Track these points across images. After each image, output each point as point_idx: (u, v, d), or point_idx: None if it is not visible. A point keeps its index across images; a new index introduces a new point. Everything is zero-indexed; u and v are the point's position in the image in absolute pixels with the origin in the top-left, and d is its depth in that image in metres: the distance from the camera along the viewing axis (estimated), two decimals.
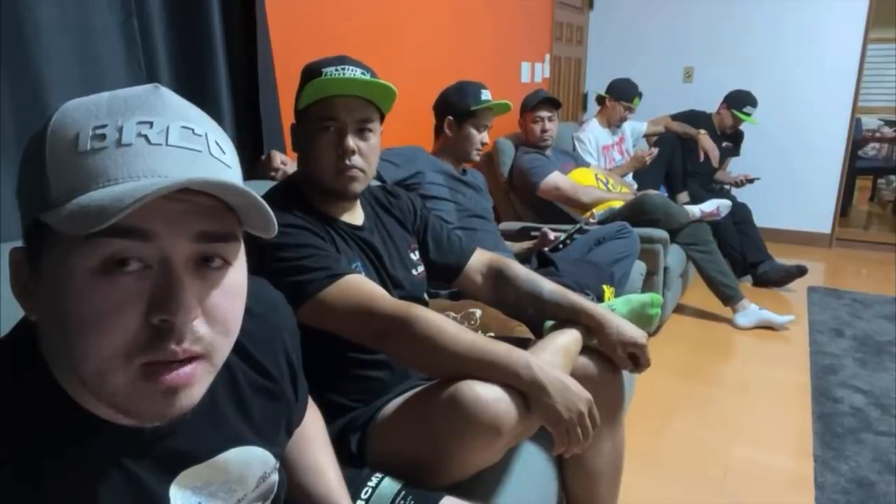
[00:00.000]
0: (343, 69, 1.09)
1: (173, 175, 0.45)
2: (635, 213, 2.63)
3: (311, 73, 1.10)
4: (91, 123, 0.46)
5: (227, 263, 0.50)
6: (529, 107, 2.71)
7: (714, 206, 2.91)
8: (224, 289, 0.50)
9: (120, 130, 0.46)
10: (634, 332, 1.17)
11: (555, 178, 2.67)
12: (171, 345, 0.46)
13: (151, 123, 0.47)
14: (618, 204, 2.73)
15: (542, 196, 2.70)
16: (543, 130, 2.69)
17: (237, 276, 0.52)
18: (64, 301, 0.45)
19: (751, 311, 2.81)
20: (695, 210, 2.89)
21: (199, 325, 0.48)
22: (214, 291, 0.49)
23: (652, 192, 2.88)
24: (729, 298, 2.84)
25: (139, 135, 0.46)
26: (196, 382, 0.49)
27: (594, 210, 2.69)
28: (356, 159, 1.09)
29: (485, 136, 2.07)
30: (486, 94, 2.04)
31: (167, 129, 0.47)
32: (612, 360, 1.21)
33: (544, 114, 2.69)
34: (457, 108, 2.04)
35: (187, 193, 0.46)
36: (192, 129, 0.49)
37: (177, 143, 0.47)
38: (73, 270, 0.45)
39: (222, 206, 0.49)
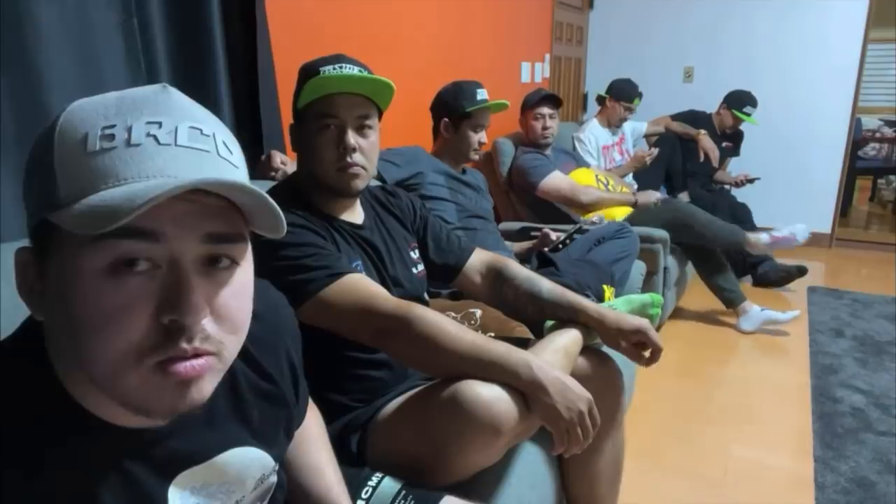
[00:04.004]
0: (341, 67, 1.09)
1: (183, 175, 0.46)
2: (676, 230, 2.62)
3: (308, 72, 1.10)
4: (100, 123, 0.46)
5: (234, 263, 0.50)
6: (530, 104, 2.71)
7: (788, 231, 2.60)
8: (232, 288, 0.50)
9: (129, 130, 0.46)
10: (635, 320, 1.17)
11: (554, 179, 2.66)
12: (182, 343, 0.46)
13: (160, 124, 0.47)
14: (619, 213, 2.71)
15: (541, 196, 2.70)
16: (544, 128, 2.68)
17: (245, 275, 0.52)
18: (72, 301, 0.45)
19: (753, 314, 2.78)
20: (762, 237, 2.65)
21: (208, 325, 0.48)
22: (223, 291, 0.49)
23: (682, 201, 2.83)
24: (730, 302, 2.82)
25: (148, 135, 0.46)
26: (207, 376, 0.49)
27: (600, 214, 2.65)
28: (357, 156, 1.09)
29: (482, 136, 2.06)
30: (482, 94, 2.04)
31: (176, 129, 0.47)
32: (613, 358, 1.22)
33: (545, 111, 2.68)
34: (452, 109, 2.03)
35: (196, 194, 0.46)
36: (201, 130, 0.49)
37: (185, 143, 0.47)
38: (82, 271, 0.45)
39: (230, 207, 0.49)
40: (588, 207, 2.69)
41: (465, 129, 2.03)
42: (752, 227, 3.39)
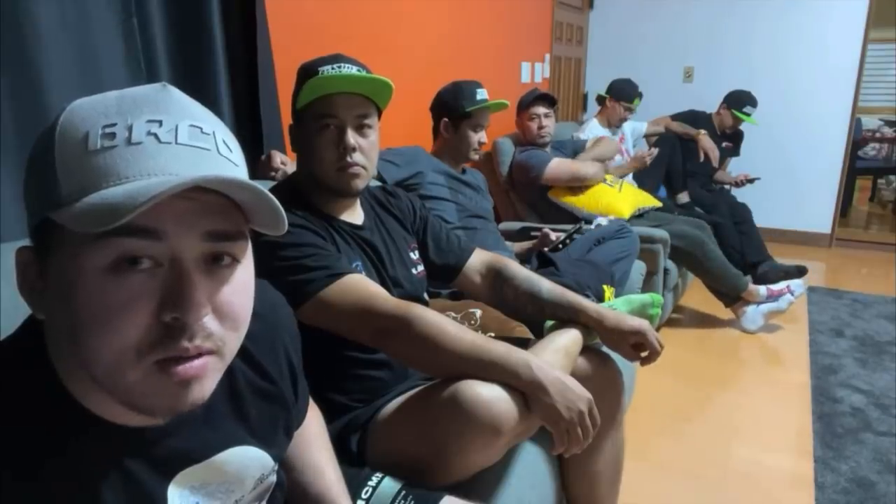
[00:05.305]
0: (339, 66, 1.09)
1: (184, 173, 0.46)
2: (680, 254, 2.69)
3: (307, 72, 1.10)
4: (100, 122, 0.46)
5: (235, 261, 0.51)
6: (525, 105, 2.70)
7: (785, 284, 2.81)
8: (233, 286, 0.50)
9: (129, 129, 0.46)
10: (634, 321, 1.17)
11: (555, 164, 2.65)
12: (183, 342, 0.46)
13: (160, 122, 0.47)
14: (626, 210, 2.69)
15: (547, 184, 2.68)
16: (540, 127, 2.67)
17: (245, 273, 0.52)
18: (74, 299, 0.45)
19: (750, 312, 2.78)
20: (760, 290, 2.80)
21: (210, 322, 0.48)
22: (224, 288, 0.49)
23: (693, 221, 2.88)
24: (728, 303, 2.82)
25: (149, 133, 0.46)
26: (208, 375, 0.49)
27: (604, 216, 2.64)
28: (357, 156, 1.09)
29: (482, 136, 2.06)
30: (481, 94, 2.03)
31: (176, 127, 0.48)
32: (613, 358, 1.21)
33: (540, 110, 2.67)
34: (452, 109, 2.03)
35: (197, 192, 0.46)
36: (201, 128, 0.49)
37: (186, 141, 0.48)
38: (83, 269, 0.45)
39: (231, 205, 0.49)
40: (594, 179, 2.68)
41: (465, 128, 2.03)
42: (753, 227, 3.40)
